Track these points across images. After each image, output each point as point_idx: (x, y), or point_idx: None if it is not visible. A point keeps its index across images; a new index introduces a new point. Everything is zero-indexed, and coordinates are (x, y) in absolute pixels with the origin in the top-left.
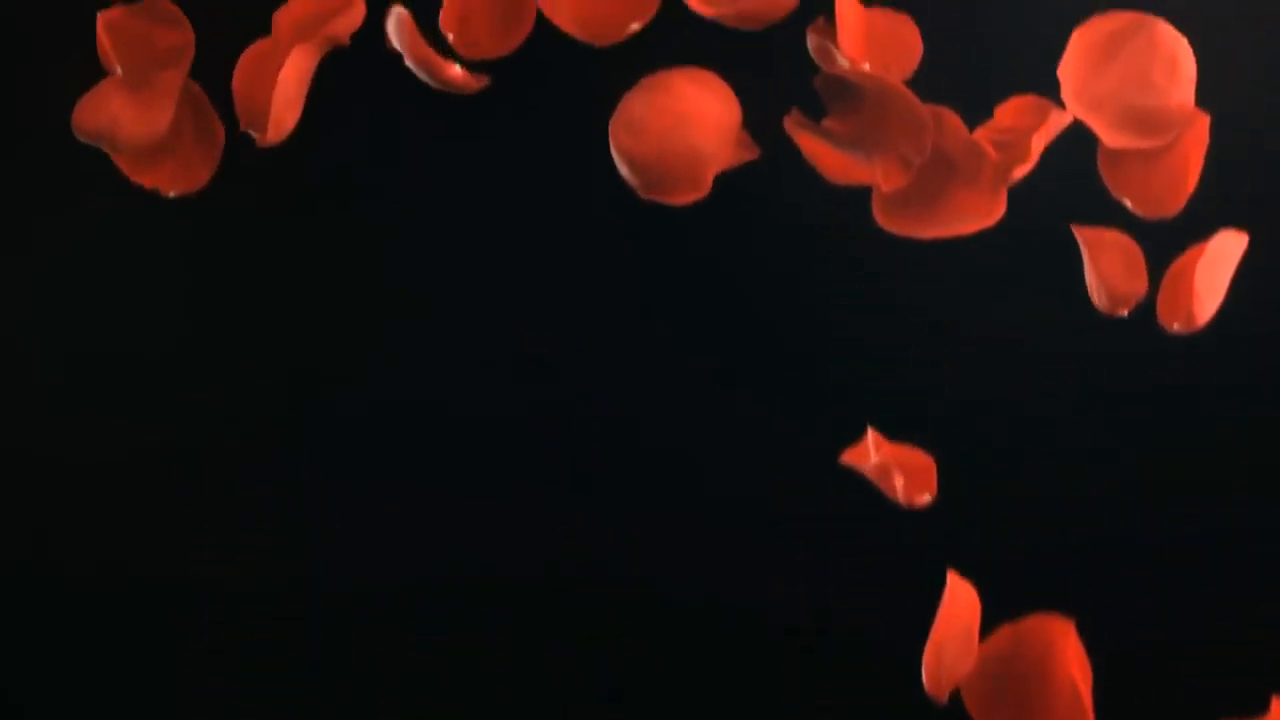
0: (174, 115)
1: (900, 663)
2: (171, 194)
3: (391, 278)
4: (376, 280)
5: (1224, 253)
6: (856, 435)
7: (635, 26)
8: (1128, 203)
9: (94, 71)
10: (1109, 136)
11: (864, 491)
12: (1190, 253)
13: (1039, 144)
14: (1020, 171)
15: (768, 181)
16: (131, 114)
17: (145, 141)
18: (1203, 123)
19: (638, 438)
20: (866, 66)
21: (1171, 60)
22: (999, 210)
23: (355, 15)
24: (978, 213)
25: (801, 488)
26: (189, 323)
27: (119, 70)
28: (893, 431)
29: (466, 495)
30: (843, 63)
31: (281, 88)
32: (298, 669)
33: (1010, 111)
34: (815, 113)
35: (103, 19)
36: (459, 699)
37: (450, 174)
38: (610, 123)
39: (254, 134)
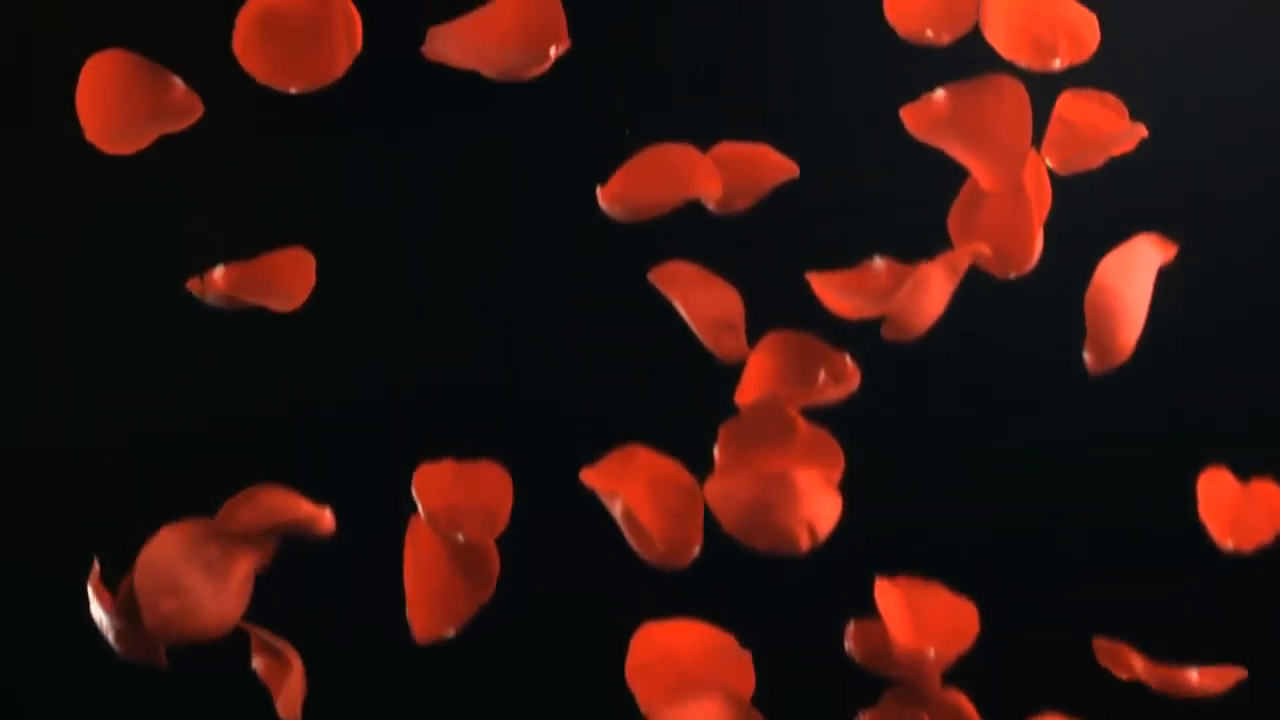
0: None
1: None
2: None
3: (392, 277)
4: (378, 282)
5: None
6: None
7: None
8: None
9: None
10: None
11: (860, 492)
12: None
13: None
14: None
15: None
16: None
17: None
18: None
19: (636, 439)
20: (933, 653)
21: None
22: None
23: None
24: None
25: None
26: (189, 323)
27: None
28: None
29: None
30: (904, 659)
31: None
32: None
33: None
34: None
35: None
36: (460, 699)
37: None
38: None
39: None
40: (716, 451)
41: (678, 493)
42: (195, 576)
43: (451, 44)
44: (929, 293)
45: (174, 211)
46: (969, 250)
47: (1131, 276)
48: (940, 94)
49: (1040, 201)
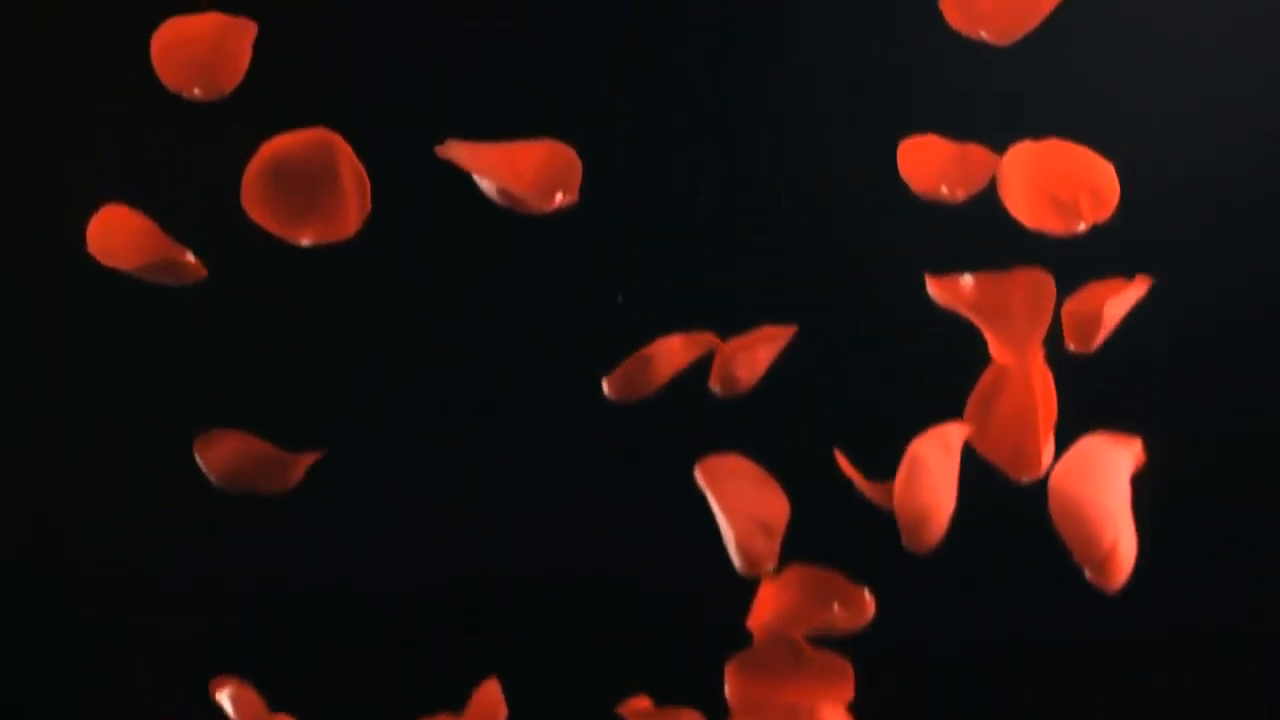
0: None
1: (904, 667)
2: None
3: (396, 285)
4: (383, 287)
5: None
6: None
7: None
8: None
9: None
10: None
11: (849, 497)
12: None
13: None
14: None
15: None
16: None
17: None
18: None
19: (641, 451)
20: None
21: None
22: None
23: None
24: None
25: (801, 494)
26: (190, 326)
27: None
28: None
29: (467, 500)
30: None
31: None
32: (297, 669)
33: None
34: None
35: None
36: (458, 701)
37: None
38: None
39: None
40: (726, 690)
41: None
42: None
43: (466, 157)
44: (926, 472)
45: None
46: (960, 427)
47: (1090, 478)
48: (968, 279)
49: (1047, 407)
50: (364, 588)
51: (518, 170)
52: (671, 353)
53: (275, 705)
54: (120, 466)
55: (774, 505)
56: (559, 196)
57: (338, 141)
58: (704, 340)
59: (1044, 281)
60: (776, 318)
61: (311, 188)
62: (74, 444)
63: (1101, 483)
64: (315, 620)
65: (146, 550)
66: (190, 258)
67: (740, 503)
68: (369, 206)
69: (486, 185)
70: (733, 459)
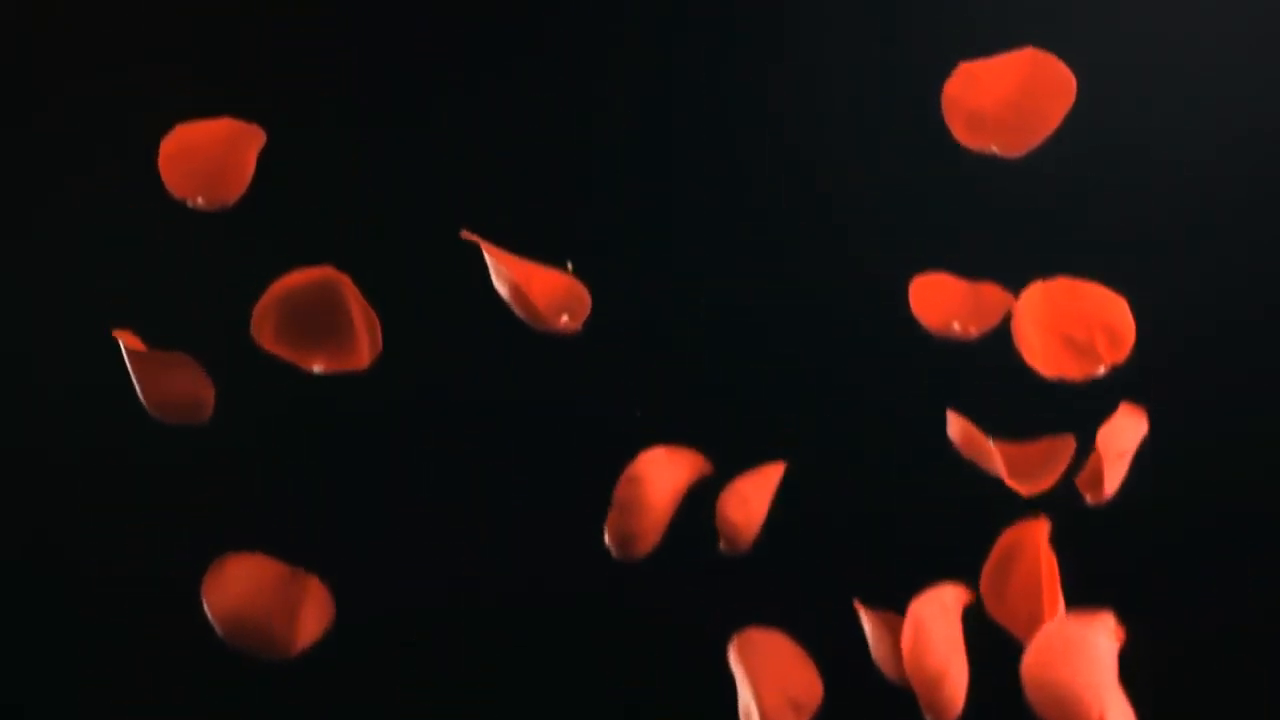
0: None
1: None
2: None
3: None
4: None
5: None
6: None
7: None
8: None
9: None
10: None
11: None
12: None
13: None
14: None
15: None
16: None
17: None
18: None
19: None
20: None
21: None
22: None
23: None
24: None
25: (802, 508)
26: (189, 325)
27: None
28: None
29: (471, 507)
30: None
31: None
32: (296, 671)
33: None
34: None
35: None
36: (459, 707)
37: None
38: None
39: None
40: None
41: None
42: None
43: (485, 249)
44: (928, 634)
45: None
46: (955, 589)
47: (1062, 660)
48: (992, 444)
49: (1050, 575)
50: (359, 588)
51: (530, 287)
52: (657, 468)
53: (276, 707)
54: (120, 467)
55: (808, 684)
56: (564, 319)
57: (345, 283)
58: (689, 459)
59: (1065, 444)
60: (775, 454)
61: (321, 328)
62: (74, 444)
63: (1075, 663)
64: None
65: (146, 550)
66: (202, 384)
67: (772, 679)
68: (380, 346)
69: (498, 278)
70: (766, 634)
